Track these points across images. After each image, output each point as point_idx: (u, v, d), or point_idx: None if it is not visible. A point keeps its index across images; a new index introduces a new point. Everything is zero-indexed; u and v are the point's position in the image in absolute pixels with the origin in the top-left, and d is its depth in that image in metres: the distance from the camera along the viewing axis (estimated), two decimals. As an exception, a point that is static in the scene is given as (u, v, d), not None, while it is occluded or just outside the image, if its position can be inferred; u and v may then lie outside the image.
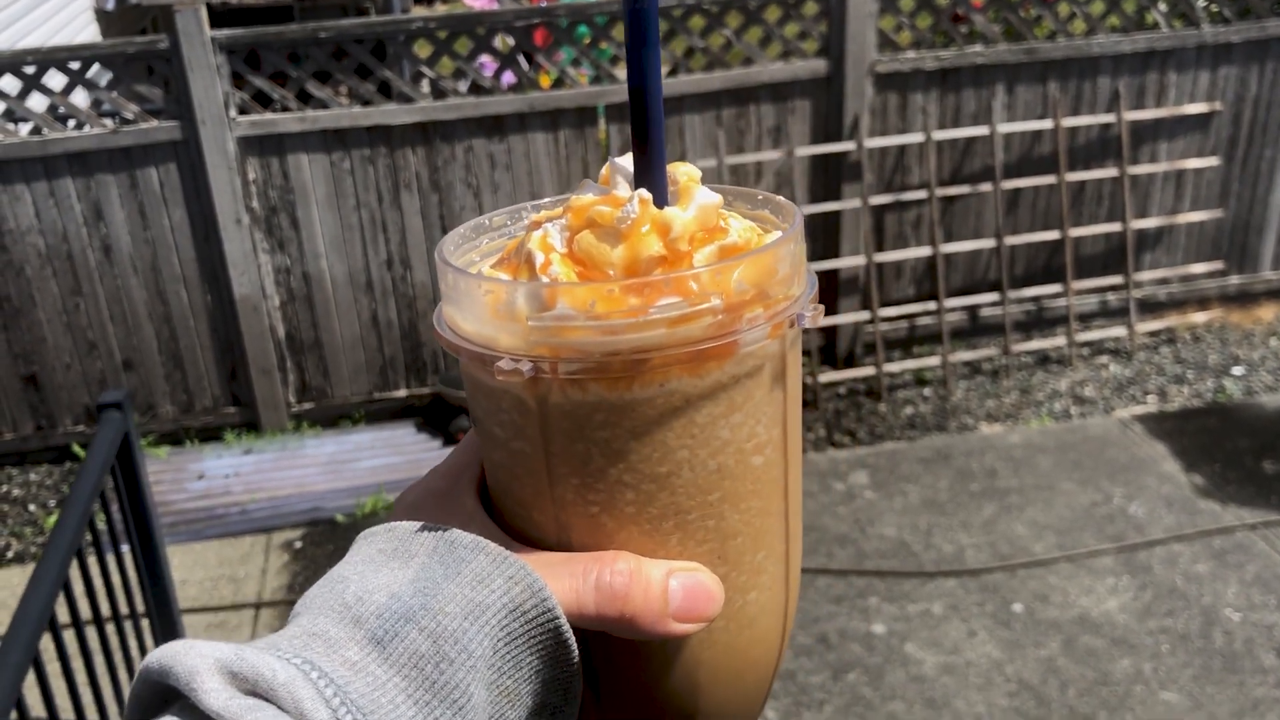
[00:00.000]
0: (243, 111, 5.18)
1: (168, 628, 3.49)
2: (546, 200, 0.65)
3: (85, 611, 2.85)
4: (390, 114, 5.26)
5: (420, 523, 0.58)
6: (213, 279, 5.44)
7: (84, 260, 5.30)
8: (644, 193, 0.55)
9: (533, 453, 0.56)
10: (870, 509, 4.92)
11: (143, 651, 3.23)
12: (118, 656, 3.08)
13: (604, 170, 0.59)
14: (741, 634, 0.60)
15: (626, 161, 0.58)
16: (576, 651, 0.55)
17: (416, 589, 0.53)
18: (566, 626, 0.54)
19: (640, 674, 0.60)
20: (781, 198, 0.63)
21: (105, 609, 3.04)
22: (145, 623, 3.37)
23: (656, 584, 0.55)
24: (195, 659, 0.49)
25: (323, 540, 4.88)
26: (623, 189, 0.57)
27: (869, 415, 5.74)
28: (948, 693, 3.87)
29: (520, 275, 0.56)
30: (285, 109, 5.21)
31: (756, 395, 0.56)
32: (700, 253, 0.55)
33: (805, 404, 5.83)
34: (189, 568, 4.75)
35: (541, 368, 0.52)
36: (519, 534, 0.59)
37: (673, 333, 0.52)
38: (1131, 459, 5.16)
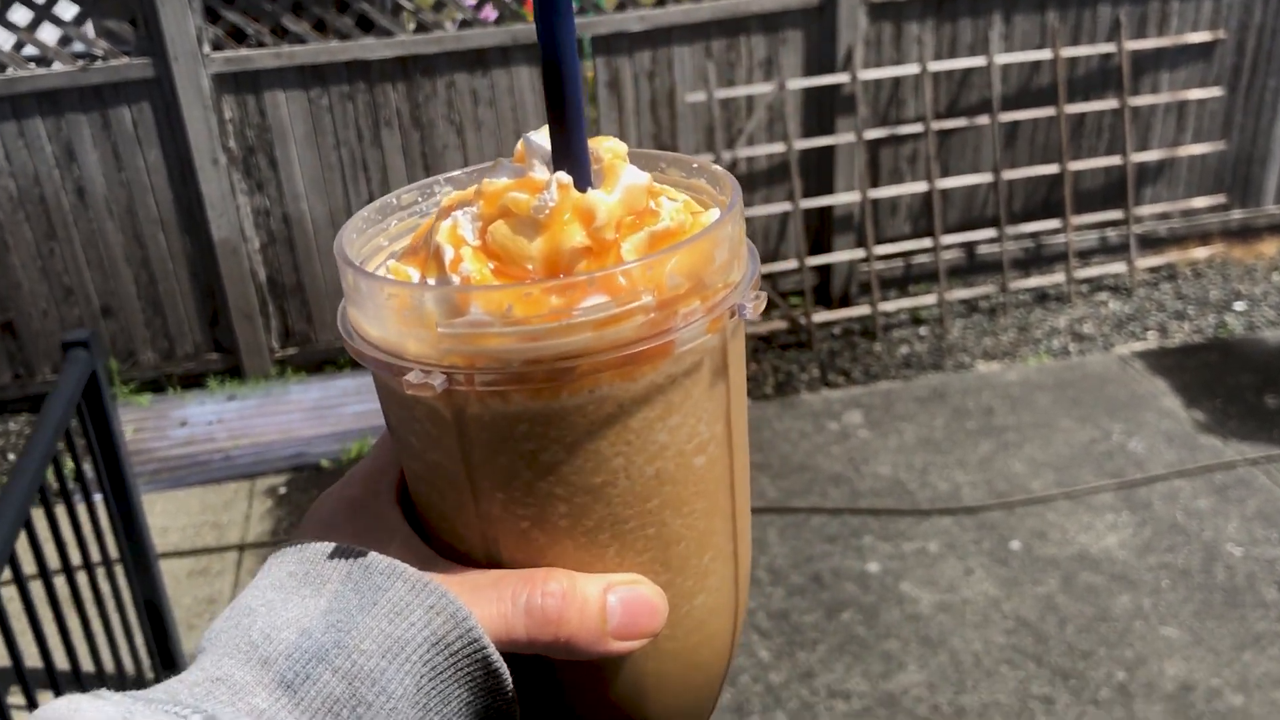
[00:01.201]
0: (216, 47, 5.02)
1: (144, 574, 3.41)
2: (459, 173, 0.60)
3: (55, 562, 2.75)
4: (369, 48, 5.10)
5: (332, 544, 0.53)
6: (191, 222, 5.30)
7: (57, 203, 5.16)
8: (563, 176, 0.50)
9: (452, 466, 0.51)
10: (865, 448, 4.83)
11: (118, 599, 3.15)
12: (91, 609, 3.00)
13: (518, 147, 0.54)
14: (689, 638, 0.57)
15: (542, 138, 0.52)
16: (509, 680, 0.52)
17: (329, 623, 0.49)
18: (496, 657, 0.51)
19: (583, 685, 0.56)
20: (719, 167, 0.57)
21: (76, 558, 2.94)
22: (120, 569, 3.28)
23: (593, 602, 0.51)
24: None
25: (307, 486, 4.79)
26: (540, 171, 0.51)
27: (864, 355, 5.63)
28: (944, 631, 3.80)
29: (429, 272, 0.51)
30: (260, 44, 5.04)
31: (695, 394, 0.51)
32: (629, 241, 0.50)
33: (800, 345, 5.72)
34: (171, 514, 4.66)
35: (456, 379, 0.47)
36: (444, 547, 0.55)
37: (601, 335, 0.47)
38: (1131, 395, 5.07)
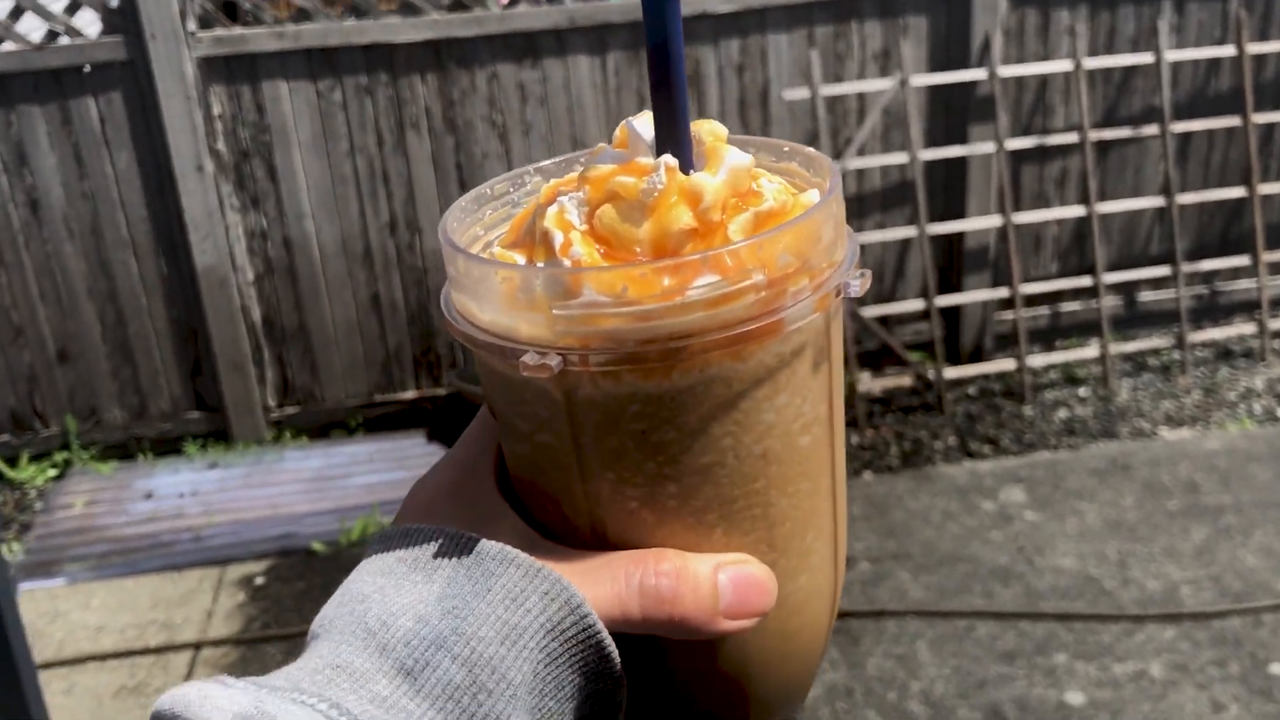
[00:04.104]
0: (204, 24, 4.06)
1: (10, 691, 2.26)
2: (548, 163, 0.59)
3: None
4: (393, 29, 4.11)
5: (438, 527, 0.53)
6: (169, 245, 4.28)
7: (4, 219, 4.17)
8: (669, 159, 0.50)
9: (561, 447, 0.51)
10: (1035, 534, 3.59)
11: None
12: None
13: (618, 132, 0.53)
14: (790, 620, 0.56)
15: (644, 123, 0.52)
16: (619, 663, 0.52)
17: (445, 609, 0.50)
18: (609, 641, 0.51)
19: (687, 666, 0.56)
20: (812, 149, 0.57)
21: None
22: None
23: (705, 581, 0.52)
24: (210, 711, 0.44)
25: (292, 575, 3.64)
26: (644, 154, 0.51)
27: (1011, 419, 4.42)
28: (1210, 801, 2.52)
29: (537, 257, 0.51)
30: (257, 20, 4.07)
31: (801, 373, 0.52)
32: (734, 222, 0.50)
33: (928, 407, 4.54)
34: (112, 610, 3.52)
35: (570, 360, 0.47)
36: (549, 530, 0.54)
37: (713, 315, 0.47)
38: (1387, 468, 3.80)
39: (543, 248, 0.50)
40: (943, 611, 3.22)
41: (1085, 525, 3.61)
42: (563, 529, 0.54)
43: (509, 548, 0.51)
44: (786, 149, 0.58)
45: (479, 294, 0.50)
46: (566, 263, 0.48)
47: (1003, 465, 4.01)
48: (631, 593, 0.51)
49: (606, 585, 0.51)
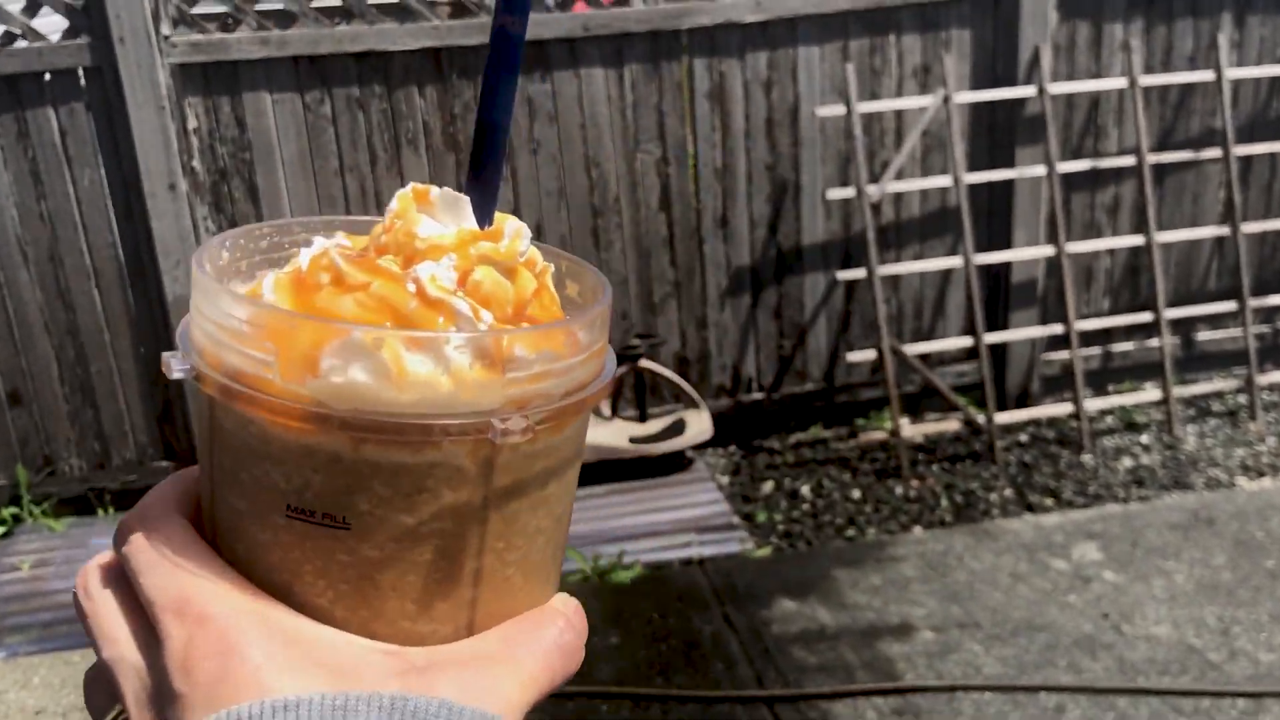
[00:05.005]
0: (182, 24, 3.66)
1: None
2: (316, 220, 0.55)
3: None
4: (387, 35, 3.73)
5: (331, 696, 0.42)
6: (137, 273, 3.85)
7: (-48, 243, 3.74)
8: (515, 222, 0.52)
9: (457, 529, 0.48)
10: (1119, 597, 3.15)
11: None
12: None
13: (400, 206, 0.52)
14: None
15: (448, 194, 0.52)
16: None
17: None
18: None
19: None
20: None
21: None
22: None
23: (578, 617, 0.52)
24: None
25: (266, 646, 3.16)
26: (466, 220, 0.52)
27: (1071, 469, 3.99)
28: None
29: (426, 324, 0.48)
30: (236, 20, 3.68)
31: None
32: (547, 277, 0.53)
33: (976, 455, 4.11)
34: (53, 689, 3.03)
35: (517, 424, 0.47)
36: (400, 634, 0.48)
37: (601, 360, 0.51)
38: None
39: (444, 315, 0.48)
40: (1025, 687, 2.77)
41: (1175, 587, 3.17)
42: (421, 631, 0.49)
43: (460, 705, 0.44)
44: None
45: (410, 373, 0.47)
46: (483, 327, 0.48)
47: (1070, 519, 3.58)
48: (550, 660, 0.49)
49: (525, 667, 0.48)
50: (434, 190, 0.52)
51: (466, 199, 0.53)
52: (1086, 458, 4.04)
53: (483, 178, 0.53)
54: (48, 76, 3.62)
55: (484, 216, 0.53)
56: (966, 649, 2.94)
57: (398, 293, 0.49)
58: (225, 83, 3.72)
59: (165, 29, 3.61)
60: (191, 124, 3.74)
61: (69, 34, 3.60)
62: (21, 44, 3.58)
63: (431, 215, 0.53)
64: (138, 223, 3.78)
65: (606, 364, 0.52)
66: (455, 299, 0.49)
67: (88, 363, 3.92)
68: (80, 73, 3.62)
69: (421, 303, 0.49)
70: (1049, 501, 3.76)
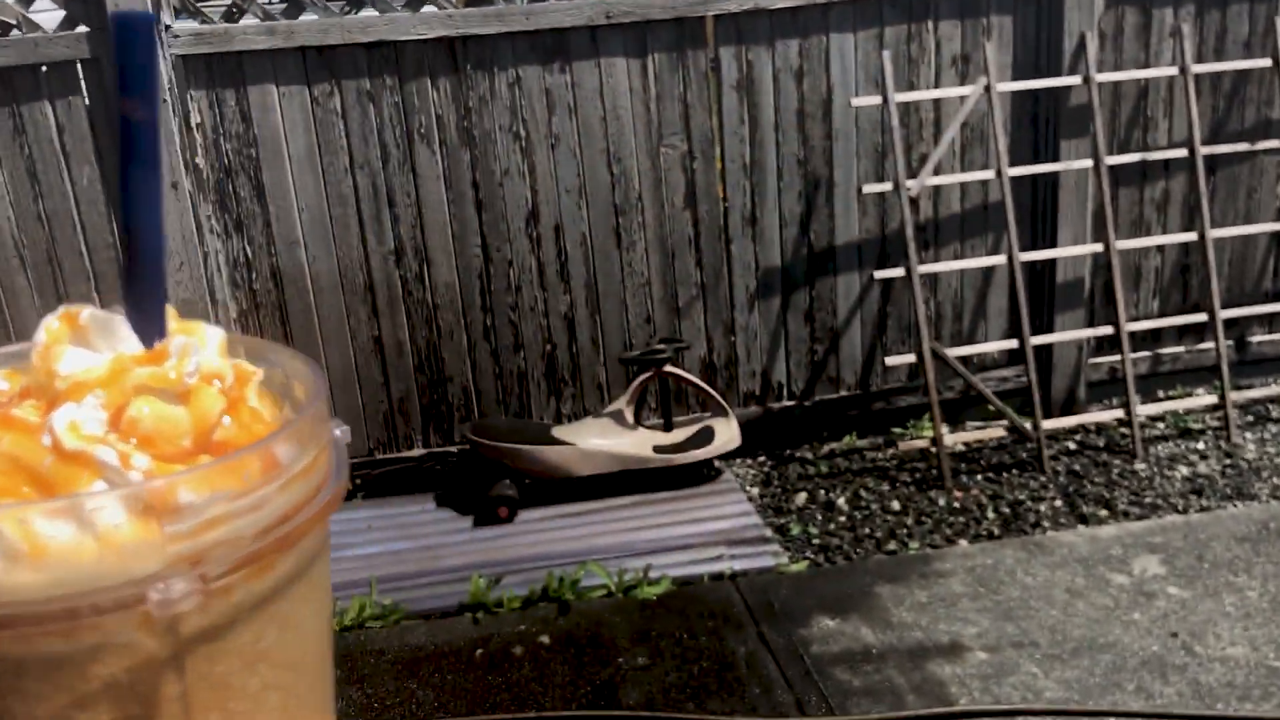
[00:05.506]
0: (182, 13, 3.50)
1: None
2: None
3: None
4: (399, 24, 3.55)
5: None
6: (138, 276, 3.67)
7: (-54, 244, 3.58)
8: (182, 340, 0.44)
9: (148, 713, 0.39)
10: (1187, 615, 2.91)
11: None
12: None
13: (47, 338, 0.45)
14: None
15: (99, 317, 0.45)
16: None
17: None
18: None
19: None
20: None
21: None
22: None
23: None
24: None
25: (270, 669, 2.96)
26: (125, 343, 0.45)
27: (1124, 478, 3.76)
28: None
29: (84, 485, 0.38)
30: (240, 9, 3.51)
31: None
32: (249, 389, 0.45)
33: (1022, 464, 3.88)
34: None
35: (179, 589, 0.38)
36: None
37: (308, 481, 0.42)
38: None
39: (87, 469, 0.40)
40: (1096, 712, 2.54)
41: (1249, 604, 2.93)
42: None
43: None
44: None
45: (43, 551, 0.37)
46: (137, 474, 0.39)
47: (1127, 531, 3.34)
48: None
49: None
50: (85, 313, 0.43)
51: (122, 319, 0.43)
52: (1140, 466, 3.81)
53: (137, 291, 0.43)
54: (44, 69, 3.45)
55: (149, 334, 0.43)
56: (1024, 670, 2.71)
57: (30, 449, 0.39)
58: (230, 75, 3.55)
59: (166, 18, 3.45)
60: (195, 119, 3.57)
61: (66, 24, 3.44)
62: (16, 35, 3.42)
63: (85, 343, 0.44)
64: (139, 222, 3.60)
65: (334, 470, 0.41)
66: (99, 447, 0.39)
67: (87, 370, 3.74)
68: (78, 65, 3.46)
69: (58, 458, 0.39)
70: (1103, 512, 3.54)
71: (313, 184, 3.68)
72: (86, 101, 3.49)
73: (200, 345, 0.45)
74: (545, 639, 2.96)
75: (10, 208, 3.56)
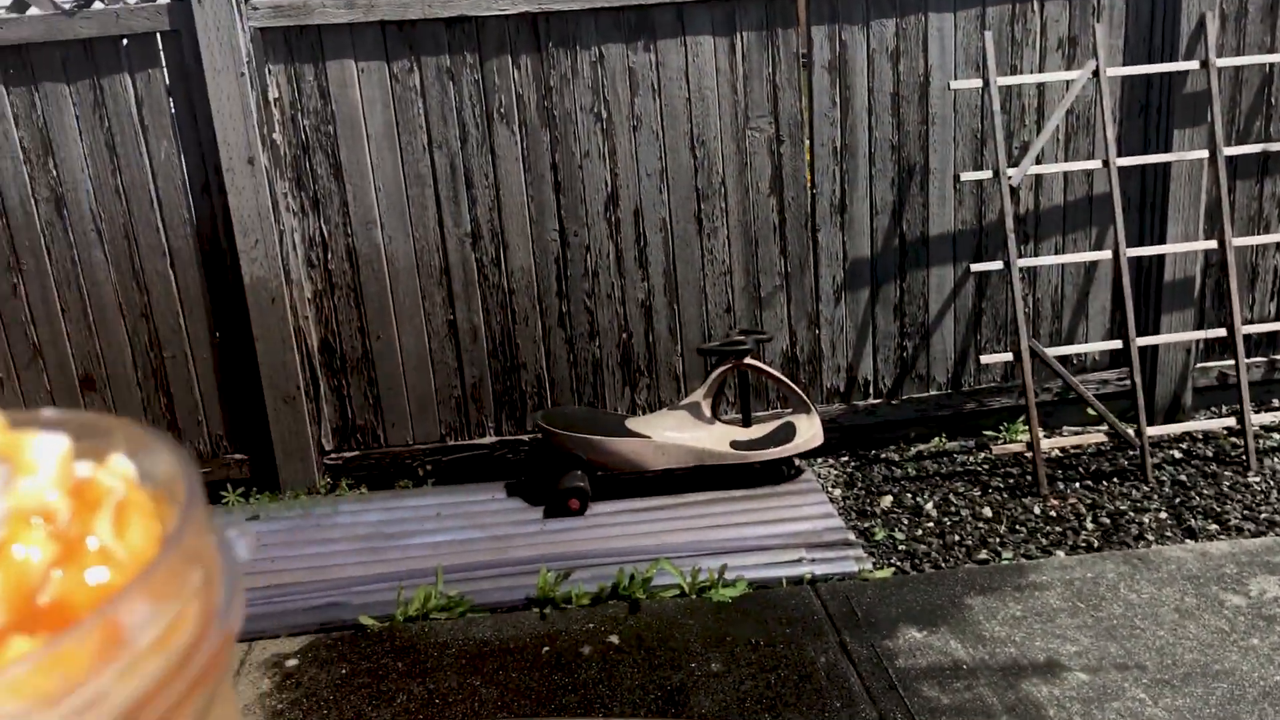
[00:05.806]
0: (262, -11, 3.44)
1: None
2: None
3: None
4: (480, 1, 3.45)
5: None
6: (213, 252, 3.63)
7: (24, 217, 3.56)
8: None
9: None
10: (1309, 641, 2.68)
11: None
12: None
13: None
14: None
15: None
16: None
17: None
18: None
19: None
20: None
21: None
22: None
23: None
24: None
25: (332, 657, 2.88)
26: None
27: (1236, 491, 3.51)
28: None
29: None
30: (323, -19, 3.44)
31: None
32: (98, 528, 0.33)
33: (1124, 473, 3.66)
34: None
35: None
36: None
37: (166, 652, 0.32)
38: None
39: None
40: (1207, 748, 2.33)
41: (1378, 632, 2.70)
42: None
43: None
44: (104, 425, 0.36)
45: None
46: None
47: (1243, 548, 3.11)
48: None
49: None
50: None
51: None
52: (1254, 479, 3.56)
53: None
54: (125, 41, 3.42)
55: None
56: (1130, 696, 2.51)
57: None
58: (308, 49, 3.48)
59: (247, -9, 3.39)
60: (272, 94, 3.51)
61: (147, -4, 3.40)
62: (98, 6, 3.39)
63: None
64: (214, 199, 3.56)
65: (220, 606, 0.32)
66: None
67: (161, 347, 3.71)
68: (158, 37, 3.41)
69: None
70: (1213, 526, 3.30)
71: (390, 163, 3.59)
72: (165, 75, 3.45)
73: (19, 472, 0.32)
74: (614, 639, 2.83)
75: (90, 180, 3.54)
